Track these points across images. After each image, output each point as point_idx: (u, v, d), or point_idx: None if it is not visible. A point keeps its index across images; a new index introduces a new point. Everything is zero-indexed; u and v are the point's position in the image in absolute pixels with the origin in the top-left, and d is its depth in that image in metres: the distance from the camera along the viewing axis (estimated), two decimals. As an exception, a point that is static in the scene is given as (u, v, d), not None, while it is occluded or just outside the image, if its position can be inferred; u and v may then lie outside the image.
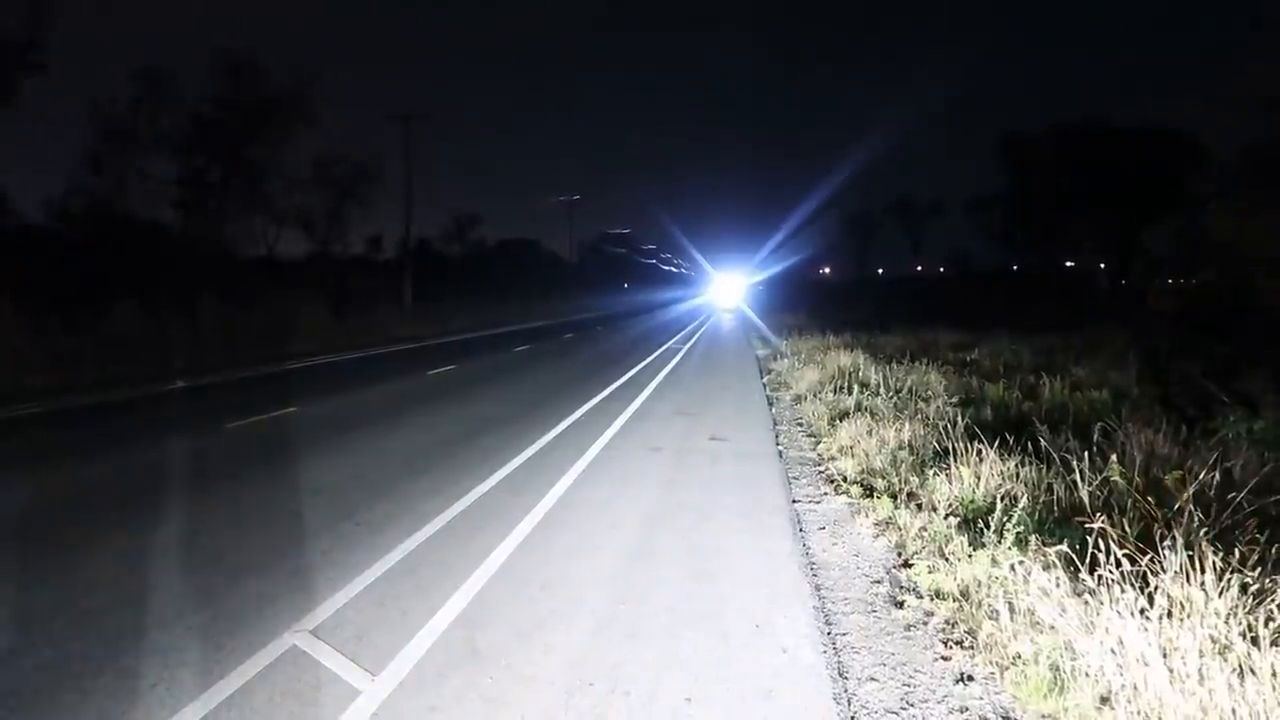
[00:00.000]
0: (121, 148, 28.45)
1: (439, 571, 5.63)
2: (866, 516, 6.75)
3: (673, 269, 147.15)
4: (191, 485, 8.14)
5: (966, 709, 3.77)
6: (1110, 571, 3.94)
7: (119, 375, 16.83)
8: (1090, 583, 4.01)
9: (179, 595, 5.24)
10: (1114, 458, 6.09)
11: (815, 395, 12.96)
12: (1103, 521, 4.42)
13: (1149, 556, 4.00)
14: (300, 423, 11.78)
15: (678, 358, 21.99)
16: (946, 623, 4.67)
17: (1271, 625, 3.38)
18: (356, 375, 18.42)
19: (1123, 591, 3.78)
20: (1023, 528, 5.24)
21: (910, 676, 4.11)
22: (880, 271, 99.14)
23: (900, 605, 4.99)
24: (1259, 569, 3.87)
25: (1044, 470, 6.57)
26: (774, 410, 12.95)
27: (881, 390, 12.19)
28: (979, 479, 6.62)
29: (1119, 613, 3.67)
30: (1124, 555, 3.99)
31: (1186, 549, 3.92)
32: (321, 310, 30.85)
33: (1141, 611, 3.63)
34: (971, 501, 6.35)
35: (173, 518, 6.96)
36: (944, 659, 4.27)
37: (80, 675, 4.15)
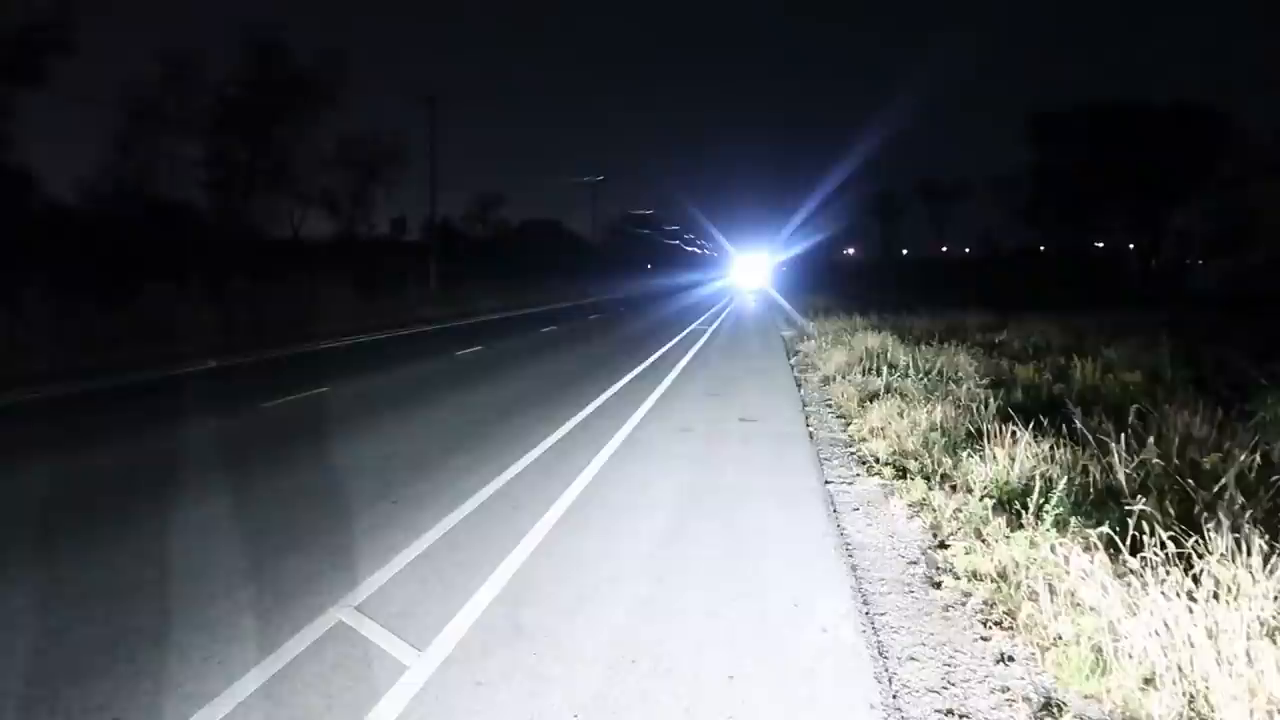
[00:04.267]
0: (150, 128, 28.68)
1: (479, 549, 5.71)
2: (900, 498, 6.75)
3: (696, 250, 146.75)
4: (229, 464, 8.27)
5: (1008, 689, 3.79)
6: (1154, 554, 3.94)
7: (151, 356, 17.06)
8: (1133, 565, 4.01)
9: (225, 571, 5.35)
10: (1150, 440, 6.05)
11: (844, 376, 12.95)
12: (1144, 503, 4.42)
13: (1193, 539, 3.99)
14: (334, 402, 11.91)
15: (703, 339, 21.99)
16: (985, 604, 4.68)
17: (1320, 608, 3.38)
18: (386, 356, 18.57)
19: (1167, 573, 3.78)
20: (1061, 509, 5.22)
21: (950, 656, 4.13)
22: (905, 252, 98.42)
23: (938, 586, 5.01)
24: (1305, 552, 3.85)
25: (1079, 452, 6.54)
26: (802, 392, 12.94)
27: (911, 372, 12.15)
28: (1013, 461, 6.59)
29: (1164, 594, 3.67)
30: (1168, 537, 3.98)
31: (1231, 531, 3.91)
32: (348, 291, 31.07)
33: (1188, 593, 3.63)
34: (1006, 483, 6.33)
35: (213, 496, 7.08)
36: (984, 639, 4.28)
37: (135, 647, 4.25)
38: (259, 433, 9.89)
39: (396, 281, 36.80)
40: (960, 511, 6.02)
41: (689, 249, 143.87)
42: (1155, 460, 5.74)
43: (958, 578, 5.05)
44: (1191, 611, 3.53)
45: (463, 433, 9.58)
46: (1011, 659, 4.05)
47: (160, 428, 10.24)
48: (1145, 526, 4.15)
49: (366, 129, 41.39)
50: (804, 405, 11.65)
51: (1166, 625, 3.54)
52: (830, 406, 11.40)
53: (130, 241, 25.57)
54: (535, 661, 4.11)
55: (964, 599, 4.79)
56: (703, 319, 30.72)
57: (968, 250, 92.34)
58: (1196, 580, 3.72)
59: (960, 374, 11.82)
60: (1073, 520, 5.01)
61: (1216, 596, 3.60)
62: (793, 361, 16.99)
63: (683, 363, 16.48)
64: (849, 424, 9.91)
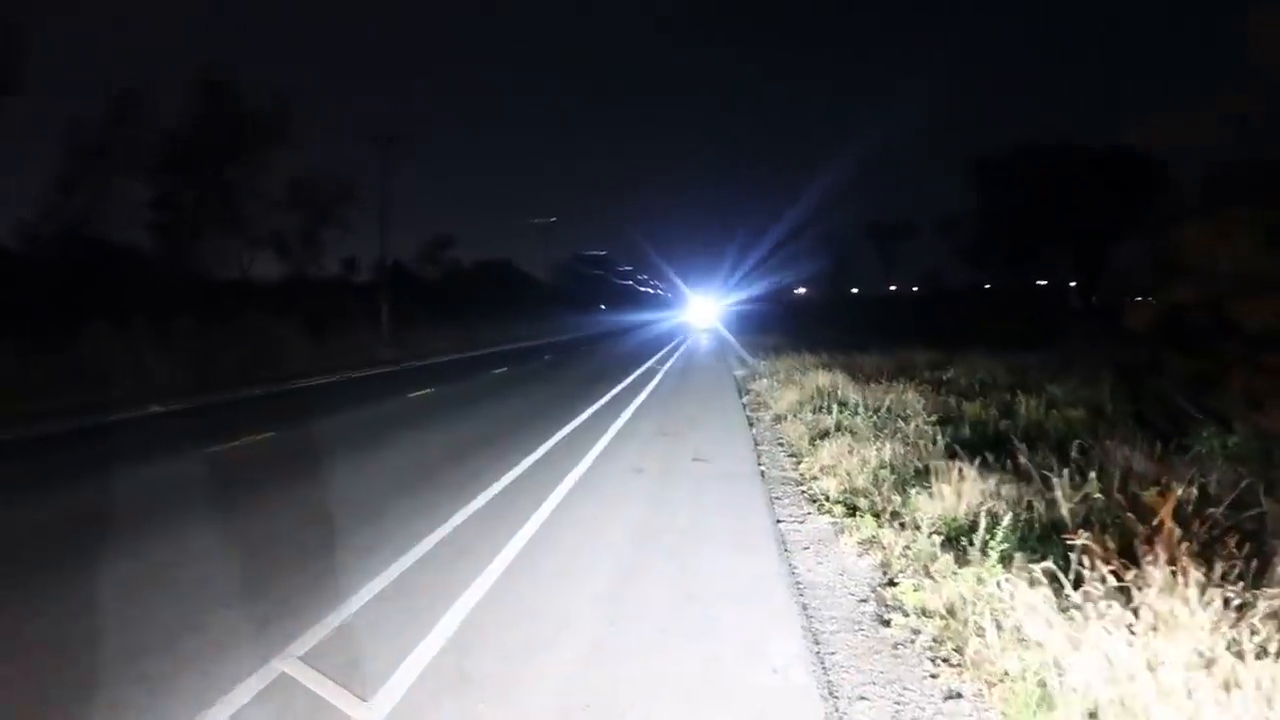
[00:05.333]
0: (94, 169, 28.18)
1: (428, 595, 5.61)
2: (850, 535, 6.80)
3: (649, 290, 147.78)
4: (167, 512, 8.03)
5: (957, 726, 3.81)
6: (1095, 588, 4.00)
7: (91, 401, 16.61)
8: (1076, 599, 4.07)
9: (163, 624, 5.18)
10: (1093, 474, 6.18)
11: (795, 415, 13.04)
12: (1085, 537, 4.50)
13: (1133, 572, 4.06)
14: (281, 447, 11.71)
15: (657, 379, 22.04)
16: (934, 640, 4.71)
17: (1255, 639, 3.45)
18: (336, 399, 18.34)
19: (1109, 607, 3.84)
20: (1007, 545, 5.29)
21: (900, 694, 4.15)
22: (855, 291, 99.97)
23: (887, 623, 5.03)
24: (1240, 583, 3.94)
25: (1024, 487, 6.65)
26: (754, 430, 13.01)
27: (860, 409, 12.27)
28: (960, 497, 6.68)
29: (1105, 628, 3.73)
30: (1109, 571, 4.05)
31: (1169, 564, 3.99)
32: (298, 333, 30.64)
33: (1128, 626, 3.69)
34: (954, 519, 6.41)
35: (149, 546, 6.86)
36: (932, 676, 4.31)
37: (66, 706, 4.10)
38: (200, 479, 9.65)
39: (347, 323, 36.38)
40: (909, 548, 6.08)
41: (642, 289, 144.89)
42: (1097, 494, 5.86)
43: (907, 615, 5.08)
44: (1132, 645, 3.59)
45: (412, 476, 9.46)
46: (960, 695, 4.08)
47: (96, 475, 9.93)
48: (1087, 561, 4.21)
49: (318, 170, 41.10)
50: (756, 444, 11.70)
51: (1109, 659, 3.59)
52: (782, 445, 11.47)
53: (72, 284, 25.00)
54: (484, 710, 4.04)
55: (913, 636, 4.82)
56: (656, 358, 30.81)
57: (915, 289, 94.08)
58: (1136, 613, 3.78)
59: (909, 411, 11.97)
60: (1018, 555, 5.06)
61: (1156, 629, 3.67)
62: (745, 400, 17.09)
63: (636, 403, 16.48)
64: (800, 462, 9.97)
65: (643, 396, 17.69)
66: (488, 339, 44.79)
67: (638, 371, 24.39)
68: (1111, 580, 4.02)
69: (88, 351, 20.72)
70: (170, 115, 30.21)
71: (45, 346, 20.23)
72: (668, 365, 27.16)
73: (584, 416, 14.35)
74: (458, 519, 7.57)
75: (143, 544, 6.91)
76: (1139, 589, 3.94)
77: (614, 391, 18.65)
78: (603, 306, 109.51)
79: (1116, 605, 3.84)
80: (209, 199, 31.28)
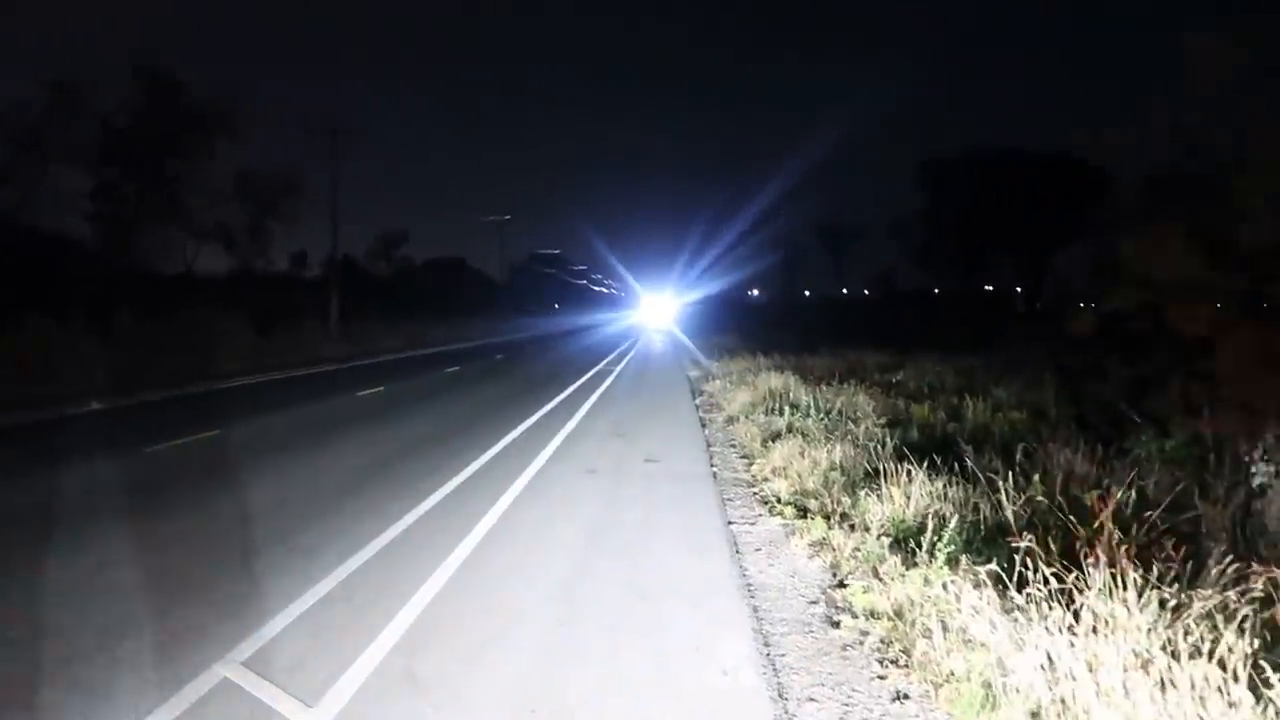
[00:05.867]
0: (31, 158, 27.36)
1: (376, 597, 5.55)
2: (801, 537, 6.86)
3: (603, 289, 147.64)
4: (106, 512, 7.84)
5: (904, 726, 3.86)
6: (1038, 589, 4.09)
7: (26, 396, 16.15)
8: (1019, 600, 4.16)
9: (100, 627, 5.06)
10: (1036, 477, 6.31)
11: (747, 416, 13.12)
12: (1029, 540, 4.59)
13: (1074, 574, 4.16)
14: (225, 445, 11.48)
15: (610, 379, 22.02)
16: (882, 641, 4.77)
17: (1189, 639, 3.54)
18: (283, 396, 18.05)
19: (1050, 609, 3.93)
20: (953, 547, 5.39)
21: (848, 696, 4.19)
22: (808, 293, 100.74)
23: (837, 625, 5.09)
24: (1175, 585, 4.06)
25: (970, 490, 6.77)
26: (707, 431, 13.06)
27: (812, 411, 12.39)
28: (909, 499, 6.79)
29: (1047, 629, 3.81)
30: (1051, 573, 4.14)
31: (1109, 566, 4.09)
32: (245, 329, 30.09)
33: (1069, 628, 3.77)
34: (902, 521, 6.51)
35: (87, 547, 6.70)
36: (880, 678, 4.36)
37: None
38: (141, 478, 9.42)
39: (296, 319, 35.78)
40: (859, 550, 6.16)
41: (596, 288, 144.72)
42: (1040, 497, 5.99)
43: (856, 616, 5.14)
44: (1073, 645, 3.67)
45: (362, 475, 9.35)
46: (907, 696, 4.14)
47: (31, 473, 9.67)
48: (1030, 563, 4.31)
49: (266, 163, 40.39)
50: (708, 445, 11.75)
51: (1050, 659, 3.67)
52: (734, 446, 11.53)
53: (7, 276, 24.25)
54: (433, 713, 4.00)
55: (862, 638, 4.88)
56: (609, 359, 30.78)
57: (866, 291, 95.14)
58: (1077, 615, 3.87)
59: (859, 413, 12.11)
60: (964, 558, 5.16)
61: (1095, 630, 3.75)
62: (698, 402, 17.15)
63: (589, 403, 16.46)
64: (752, 464, 10.04)
65: (595, 396, 17.67)
66: (440, 337, 44.41)
67: (591, 371, 24.35)
68: (1054, 582, 4.11)
69: (22, 345, 20.14)
70: (111, 106, 29.42)
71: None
72: (621, 365, 27.16)
73: (536, 416, 14.29)
74: (409, 519, 7.49)
75: (79, 545, 6.74)
76: (1080, 591, 4.03)
77: (567, 392, 18.59)
78: (556, 306, 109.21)
79: (1058, 607, 3.93)
80: (151, 191, 30.52)
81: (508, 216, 75.32)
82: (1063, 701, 3.52)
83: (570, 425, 13.34)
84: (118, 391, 17.50)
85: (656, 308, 79.17)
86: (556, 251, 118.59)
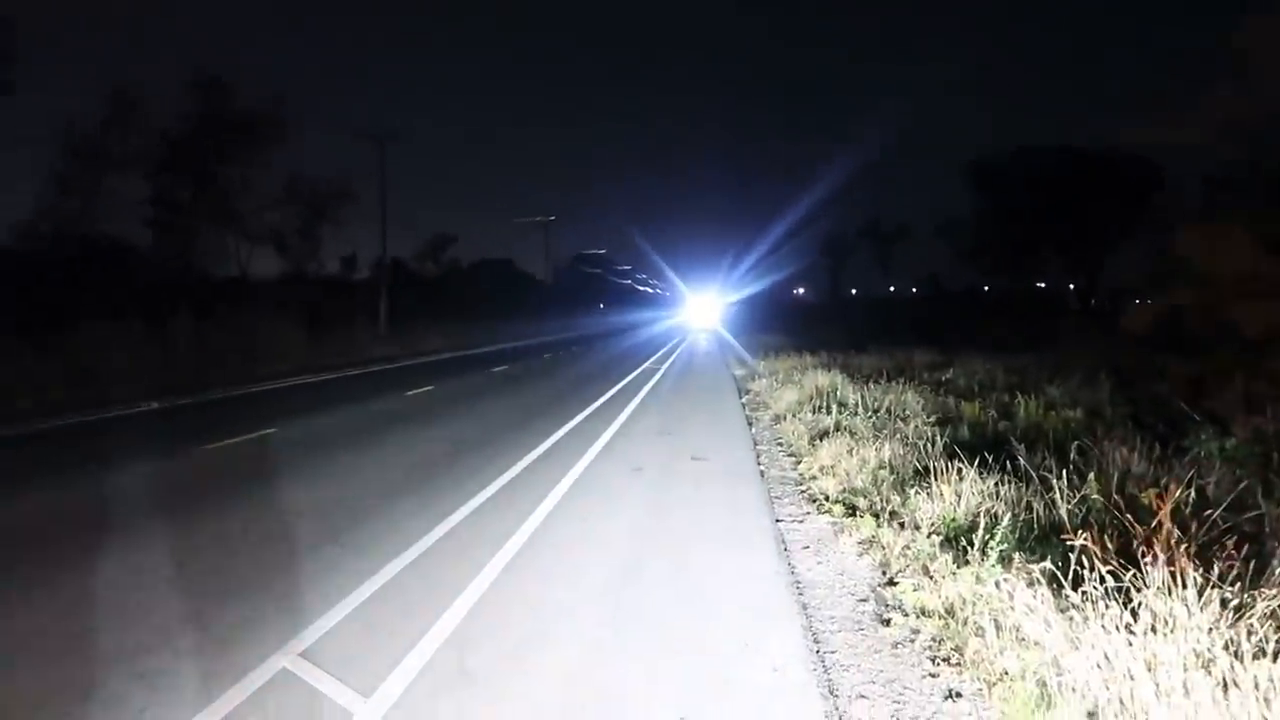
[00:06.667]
0: (90, 167, 28.16)
1: (426, 593, 5.62)
2: (849, 535, 6.82)
3: (648, 289, 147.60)
4: (166, 508, 8.03)
5: (956, 725, 3.82)
6: (1094, 588, 4.02)
7: (87, 398, 16.59)
8: (1074, 599, 4.09)
9: (162, 619, 5.19)
10: (1091, 476, 6.21)
11: (794, 415, 13.06)
12: (1084, 539, 4.52)
13: (1131, 573, 4.08)
14: (279, 444, 11.70)
15: (656, 378, 22.05)
16: (933, 640, 4.73)
17: (1253, 639, 3.47)
18: (334, 396, 18.33)
19: (1107, 607, 3.86)
20: (1006, 545, 5.32)
21: (900, 693, 4.16)
22: (854, 292, 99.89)
23: (887, 623, 5.05)
24: (1238, 584, 3.97)
25: (1023, 488, 6.68)
26: (754, 430, 13.02)
27: (860, 410, 12.30)
28: (959, 497, 6.70)
29: (1104, 628, 3.75)
30: (1107, 571, 4.07)
31: (1167, 565, 4.01)
32: (296, 330, 30.65)
33: (1126, 626, 3.71)
34: (953, 520, 6.43)
35: (147, 542, 6.86)
36: (932, 676, 4.32)
37: (67, 701, 4.11)
38: (198, 476, 9.66)
39: (346, 320, 36.39)
40: (909, 549, 6.10)
41: (641, 288, 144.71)
42: (1095, 496, 5.89)
43: (906, 614, 5.10)
44: (1131, 644, 3.61)
45: (411, 474, 9.47)
46: (959, 695, 4.09)
47: (92, 472, 9.93)
48: (1085, 561, 4.24)
49: (316, 167, 41.13)
50: (755, 443, 11.72)
51: (1107, 658, 3.62)
52: (781, 444, 11.49)
53: (70, 281, 24.99)
54: (483, 708, 4.05)
55: (913, 636, 4.84)
56: (655, 358, 30.82)
57: (914, 290, 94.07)
58: (1135, 614, 3.80)
59: (908, 412, 12.00)
60: (1017, 556, 5.10)
61: (1154, 629, 3.69)
62: (744, 400, 17.10)
63: (635, 402, 16.50)
64: (799, 462, 9.99)
65: (641, 395, 17.70)
66: (487, 337, 44.79)
67: (637, 371, 24.40)
68: (1110, 580, 4.04)
69: (85, 348, 20.72)
70: (166, 114, 30.20)
71: (42, 344, 20.24)
72: (666, 365, 27.17)
73: (583, 415, 14.37)
74: (457, 516, 7.58)
75: (140, 540, 6.92)
76: (1137, 589, 3.96)
77: (613, 391, 18.66)
78: (601, 306, 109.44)
79: (1115, 605, 3.86)
80: (205, 196, 31.25)
81: (553, 217, 75.72)
82: (1121, 701, 3.46)
83: (617, 423, 13.39)
84: (175, 391, 17.91)
85: (702, 307, 78.98)
86: (602, 251, 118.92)
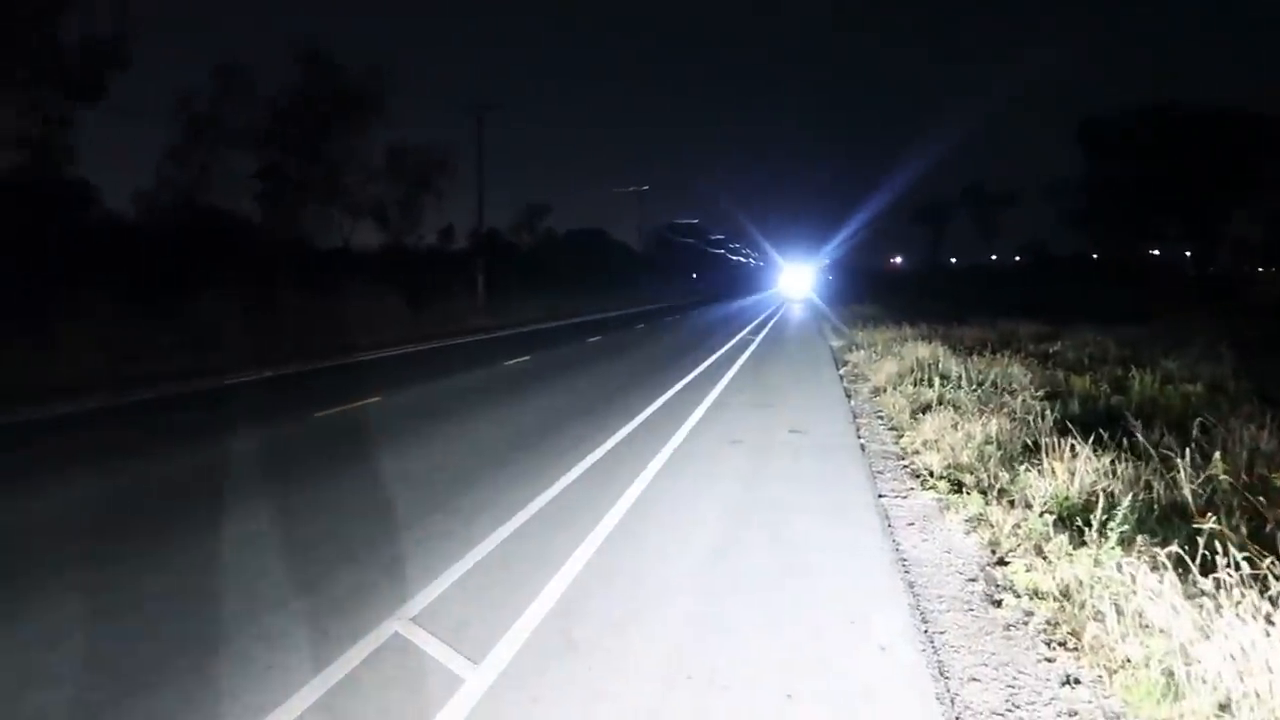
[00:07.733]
0: (204, 142, 29.27)
1: (530, 563, 5.71)
2: (956, 512, 6.65)
3: (741, 259, 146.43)
4: (280, 474, 8.36)
5: (1076, 712, 3.69)
6: (1229, 574, 3.82)
7: (205, 365, 17.37)
8: (1205, 585, 3.90)
9: (278, 582, 5.41)
10: (1216, 455, 5.89)
11: (894, 387, 12.77)
12: (1214, 521, 4.30)
13: (1269, 559, 3.87)
14: (384, 412, 12.05)
15: (751, 349, 21.90)
16: (1048, 623, 4.58)
17: None
18: (435, 365, 18.76)
19: (1243, 595, 3.67)
20: (1126, 527, 5.09)
21: (1014, 678, 4.04)
22: (954, 260, 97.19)
23: (998, 604, 4.91)
24: (1388, 574, 3.72)
25: (1141, 467, 6.40)
26: (852, 403, 12.81)
27: (963, 383, 11.95)
28: (1073, 475, 6.45)
29: (1239, 617, 3.56)
30: (1243, 558, 3.86)
31: (1310, 552, 3.78)
32: (397, 301, 31.44)
33: (1266, 616, 3.51)
34: (1066, 499, 6.20)
35: (264, 506, 7.15)
36: (1048, 660, 4.19)
37: (197, 656, 4.32)
38: (310, 442, 10.02)
39: (444, 291, 37.15)
40: (1019, 528, 5.90)
41: (734, 258, 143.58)
42: (1222, 476, 5.59)
43: (1019, 596, 4.95)
44: (1269, 635, 3.42)
45: (512, 444, 9.62)
46: (1078, 681, 3.95)
47: (213, 436, 10.40)
48: (1217, 546, 4.02)
49: (416, 139, 41.83)
50: (854, 417, 11.53)
51: (1243, 649, 3.43)
52: (881, 418, 11.27)
53: (185, 252, 26.13)
54: (590, 676, 4.10)
55: (1026, 618, 4.69)
56: (749, 328, 30.60)
57: (1018, 258, 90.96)
58: (1274, 603, 3.60)
59: (1014, 385, 11.61)
60: (1138, 538, 4.87)
61: (1296, 620, 3.48)
62: (841, 372, 16.85)
63: (730, 373, 16.41)
64: (901, 436, 9.79)
65: (737, 367, 17.60)
66: (581, 308, 45.19)
67: (731, 341, 24.27)
68: (1245, 567, 3.83)
69: (202, 317, 21.70)
70: (272, 89, 31.11)
71: (162, 311, 21.26)
72: (761, 335, 26.94)
73: (678, 386, 14.37)
74: (559, 486, 7.68)
75: (257, 507, 7.22)
76: (1276, 577, 3.75)
77: (708, 361, 18.61)
78: (694, 276, 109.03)
79: (1252, 593, 3.66)
80: (311, 169, 32.15)
81: (646, 187, 75.75)
82: (1256, 694, 3.28)
83: (712, 395, 13.35)
84: (284, 360, 18.62)
85: (796, 277, 77.88)
86: (695, 220, 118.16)
